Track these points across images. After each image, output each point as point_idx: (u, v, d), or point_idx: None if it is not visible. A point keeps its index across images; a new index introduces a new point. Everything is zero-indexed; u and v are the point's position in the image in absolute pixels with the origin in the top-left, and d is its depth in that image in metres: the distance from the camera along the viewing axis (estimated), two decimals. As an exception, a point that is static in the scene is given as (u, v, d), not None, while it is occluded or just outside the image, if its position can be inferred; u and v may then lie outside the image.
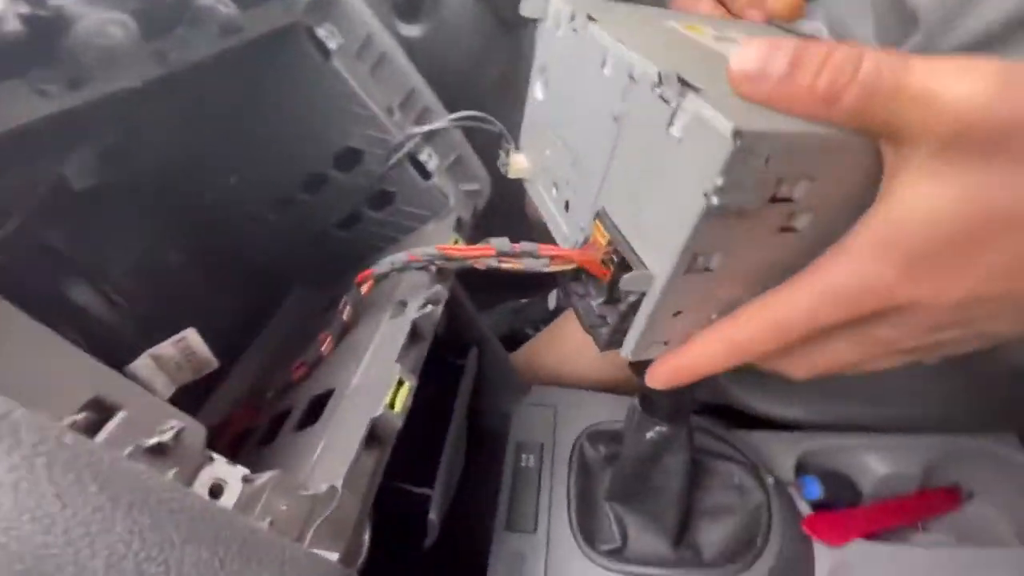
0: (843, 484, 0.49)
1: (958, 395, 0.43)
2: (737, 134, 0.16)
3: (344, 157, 0.38)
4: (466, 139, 0.38)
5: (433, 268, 0.30)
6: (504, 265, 0.26)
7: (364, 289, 0.31)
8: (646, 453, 0.37)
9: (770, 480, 0.43)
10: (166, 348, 0.32)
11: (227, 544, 0.15)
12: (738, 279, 0.21)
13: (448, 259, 0.28)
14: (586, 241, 0.24)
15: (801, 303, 0.19)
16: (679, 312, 0.21)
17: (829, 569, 0.41)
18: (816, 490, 0.44)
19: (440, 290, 0.31)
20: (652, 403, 0.35)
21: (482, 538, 0.40)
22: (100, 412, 0.16)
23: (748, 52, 0.17)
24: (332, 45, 0.35)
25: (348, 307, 0.32)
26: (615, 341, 0.23)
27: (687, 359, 0.22)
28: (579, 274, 0.25)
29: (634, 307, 0.21)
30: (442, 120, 0.36)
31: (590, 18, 0.23)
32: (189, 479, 0.17)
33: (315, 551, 0.17)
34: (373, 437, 0.23)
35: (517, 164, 0.30)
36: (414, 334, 0.29)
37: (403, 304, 0.31)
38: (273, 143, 0.39)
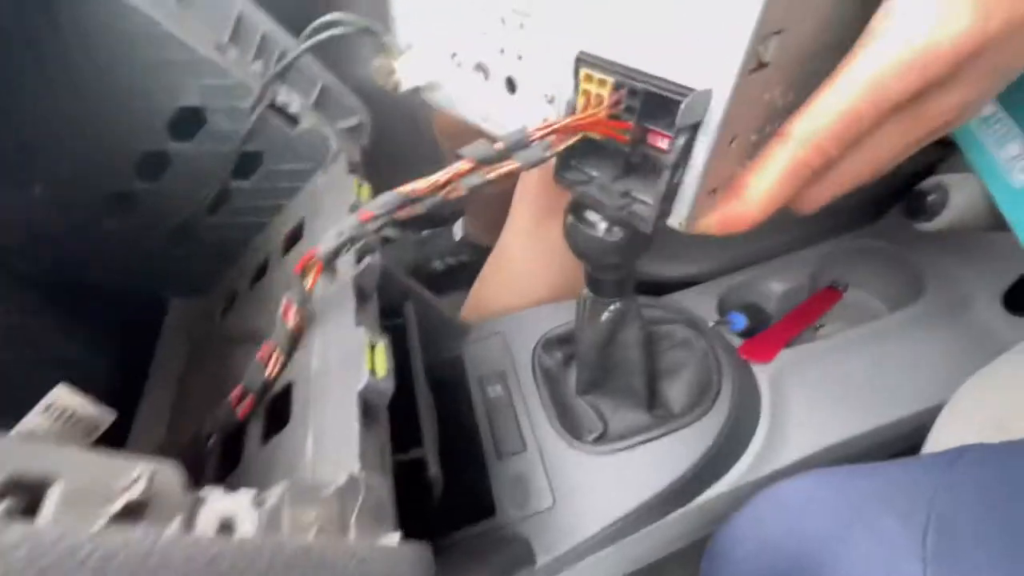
0: (755, 311, 0.56)
1: (827, 209, 0.51)
2: None
3: (181, 122, 0.31)
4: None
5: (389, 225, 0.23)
6: (492, 176, 0.19)
7: (310, 280, 0.24)
8: (603, 336, 0.38)
9: (707, 327, 0.48)
10: (36, 419, 0.25)
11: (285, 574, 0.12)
12: (788, 73, 0.17)
13: (415, 200, 0.21)
14: (570, 108, 0.19)
15: (874, 78, 0.16)
16: (734, 138, 0.18)
17: (768, 382, 0.47)
18: (742, 322, 0.50)
19: (368, 242, 0.27)
20: (602, 285, 0.36)
21: (479, 476, 0.40)
22: (25, 493, 0.11)
23: None
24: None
25: (294, 309, 0.25)
26: (664, 211, 0.19)
27: (754, 198, 0.18)
28: (569, 156, 0.21)
29: (686, 150, 0.17)
30: (292, 46, 0.30)
31: None
32: (188, 528, 0.13)
33: (378, 542, 0.15)
34: (368, 410, 0.20)
35: (406, 67, 0.25)
36: (361, 295, 0.25)
37: (331, 269, 0.27)
38: (78, 126, 0.30)
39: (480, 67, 0.23)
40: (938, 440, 0.28)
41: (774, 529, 0.23)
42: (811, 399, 0.47)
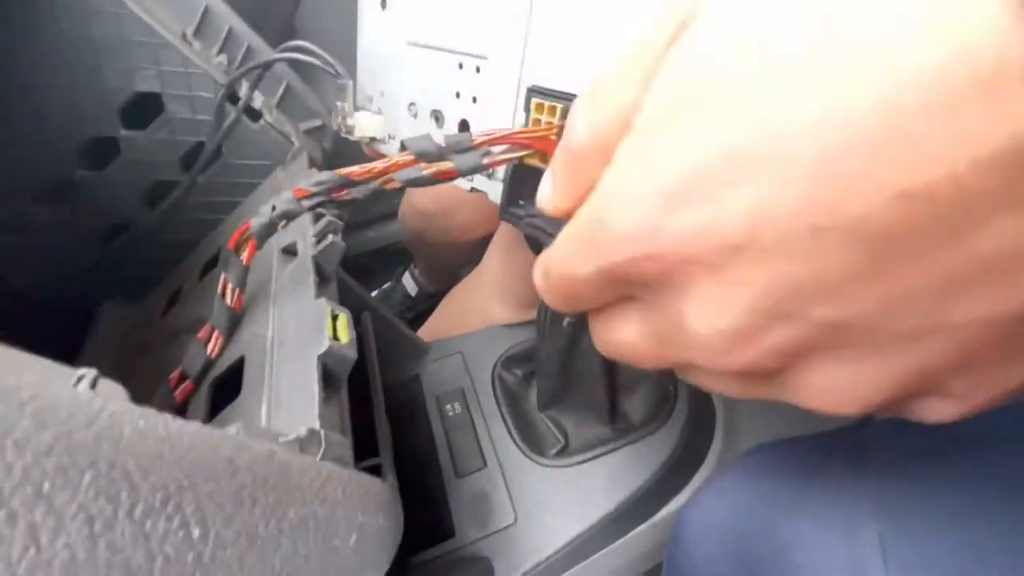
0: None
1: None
2: None
3: (134, 109, 0.30)
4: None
5: (327, 207, 0.23)
6: (427, 172, 0.19)
7: (246, 256, 0.23)
8: (565, 342, 0.38)
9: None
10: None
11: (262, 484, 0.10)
12: None
13: (352, 183, 0.20)
14: None
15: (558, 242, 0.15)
16: None
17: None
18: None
19: (331, 220, 0.26)
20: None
21: (438, 497, 0.38)
22: None
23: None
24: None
25: (231, 286, 0.24)
26: None
27: None
28: (516, 194, 0.21)
29: None
30: (259, 45, 0.30)
31: None
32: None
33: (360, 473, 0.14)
34: (328, 375, 0.19)
35: (363, 120, 0.26)
36: (320, 274, 0.24)
37: (290, 252, 0.26)
38: (19, 102, 0.28)
39: (435, 114, 0.25)
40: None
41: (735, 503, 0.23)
42: (762, 403, 0.48)
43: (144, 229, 0.34)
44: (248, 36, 0.31)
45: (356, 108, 0.27)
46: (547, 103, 0.19)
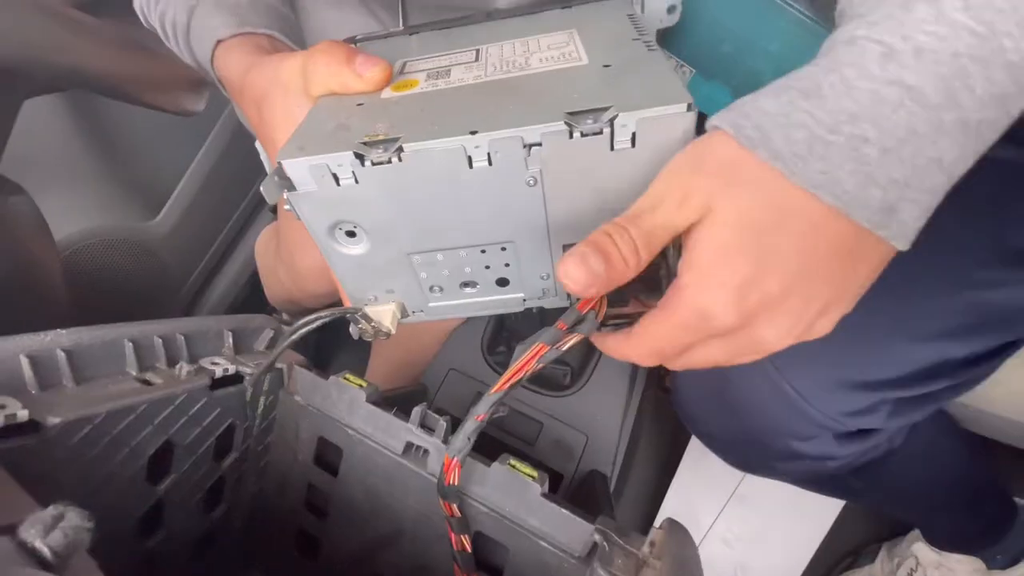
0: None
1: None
2: (689, 105, 0.20)
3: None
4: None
5: (503, 409, 0.27)
6: (565, 347, 0.24)
7: None
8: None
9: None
10: None
11: None
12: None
13: (510, 388, 0.25)
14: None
15: (661, 332, 0.22)
16: None
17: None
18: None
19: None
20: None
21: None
22: None
23: (573, 273, 0.20)
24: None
25: None
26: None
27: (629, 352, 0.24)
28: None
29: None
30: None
31: (399, 148, 0.21)
32: None
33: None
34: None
35: (386, 318, 0.27)
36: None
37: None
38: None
39: (466, 283, 0.27)
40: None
41: None
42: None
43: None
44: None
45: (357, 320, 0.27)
46: None
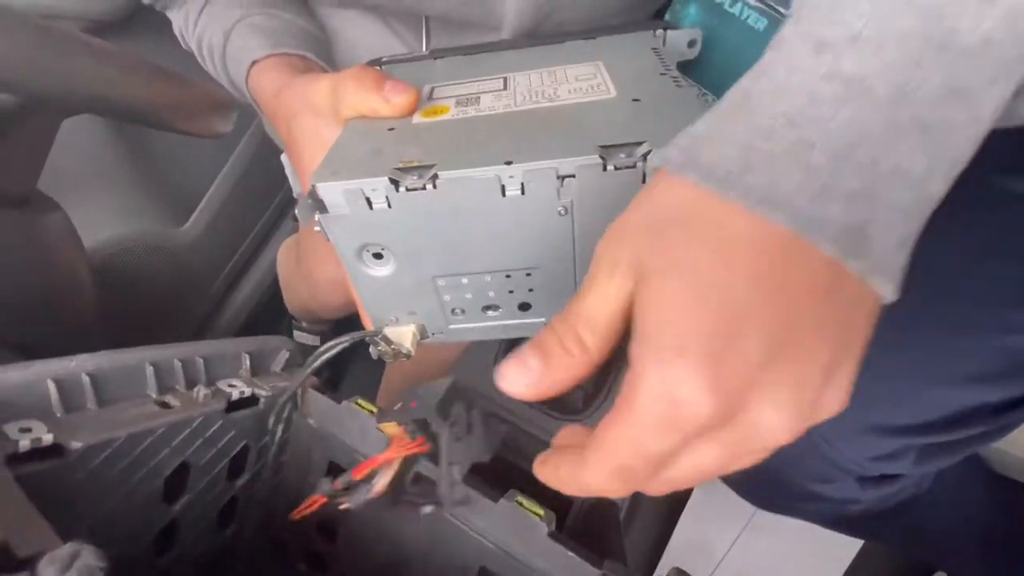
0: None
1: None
2: None
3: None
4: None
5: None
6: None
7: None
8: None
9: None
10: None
11: None
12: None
13: None
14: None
15: (623, 440, 0.16)
16: None
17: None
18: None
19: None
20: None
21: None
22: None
23: (509, 376, 0.18)
24: None
25: None
26: None
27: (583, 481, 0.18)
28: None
29: None
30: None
31: (435, 175, 0.21)
32: None
33: None
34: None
35: (406, 339, 0.27)
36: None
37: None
38: None
39: (488, 307, 0.27)
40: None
41: None
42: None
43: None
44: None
45: (377, 342, 0.28)
46: None
